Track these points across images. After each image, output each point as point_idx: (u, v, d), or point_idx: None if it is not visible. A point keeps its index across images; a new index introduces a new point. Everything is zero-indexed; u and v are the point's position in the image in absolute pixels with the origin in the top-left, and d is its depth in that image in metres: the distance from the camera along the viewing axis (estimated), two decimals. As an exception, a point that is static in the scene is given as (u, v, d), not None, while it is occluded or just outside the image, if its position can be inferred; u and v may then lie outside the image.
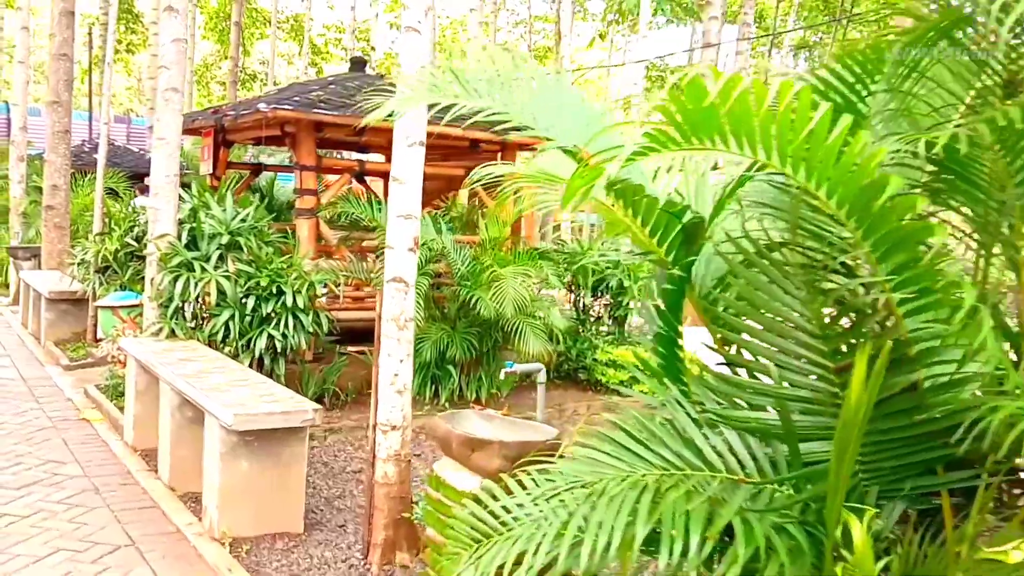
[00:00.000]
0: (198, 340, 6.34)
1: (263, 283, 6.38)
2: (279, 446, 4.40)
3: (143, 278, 9.11)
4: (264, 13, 31.79)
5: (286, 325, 6.36)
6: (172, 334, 6.36)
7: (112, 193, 15.62)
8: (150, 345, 6.05)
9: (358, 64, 8.69)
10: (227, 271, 6.50)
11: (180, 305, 6.42)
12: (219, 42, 30.61)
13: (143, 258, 9.12)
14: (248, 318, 6.40)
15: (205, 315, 6.49)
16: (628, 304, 8.12)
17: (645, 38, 13.44)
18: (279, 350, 6.36)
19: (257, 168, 9.74)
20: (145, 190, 18.22)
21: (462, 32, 33.90)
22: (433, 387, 7.12)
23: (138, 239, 8.97)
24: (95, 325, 9.35)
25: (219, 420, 4.24)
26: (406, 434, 4.21)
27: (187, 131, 9.74)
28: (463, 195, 9.35)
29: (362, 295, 8.00)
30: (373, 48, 32.13)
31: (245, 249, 6.68)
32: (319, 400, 6.78)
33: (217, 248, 6.64)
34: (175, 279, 6.37)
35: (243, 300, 6.41)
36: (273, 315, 6.36)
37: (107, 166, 16.69)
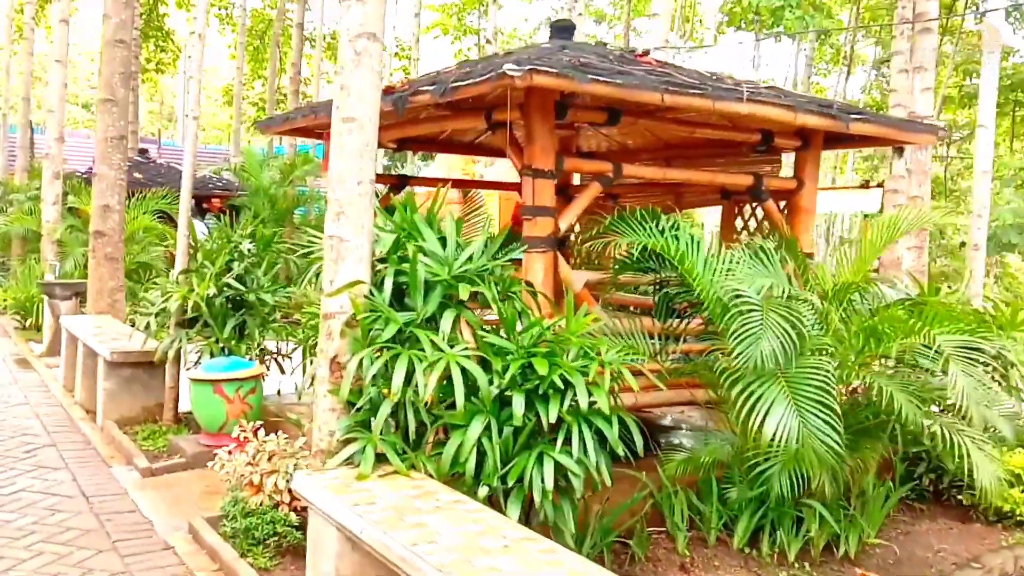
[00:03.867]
0: (428, 473, 3.57)
1: (540, 370, 3.61)
2: None
3: (246, 332, 6.41)
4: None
5: (582, 442, 3.60)
6: (380, 459, 3.58)
7: (164, 217, 12.99)
8: (354, 495, 3.28)
9: (563, 31, 5.98)
10: (467, 349, 3.74)
11: (394, 409, 3.66)
12: (252, 60, 28.01)
13: (244, 305, 6.41)
14: (510, 430, 3.65)
15: (427, 423, 3.72)
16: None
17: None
18: (564, 485, 3.60)
19: (400, 182, 7.02)
20: (202, 212, 15.55)
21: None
22: (772, 536, 4.31)
23: (240, 279, 6.30)
24: (176, 399, 6.58)
25: None
26: None
27: (293, 131, 7.09)
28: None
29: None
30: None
31: (494, 306, 3.93)
32: (600, 559, 4.02)
33: (440, 305, 3.90)
34: (389, 363, 3.60)
35: (499, 398, 3.66)
36: (546, 425, 3.60)
37: (154, 185, 14.09)
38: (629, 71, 4.60)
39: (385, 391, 3.64)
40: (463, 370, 3.60)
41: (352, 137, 3.86)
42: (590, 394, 3.65)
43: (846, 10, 22.63)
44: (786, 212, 5.63)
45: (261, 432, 4.59)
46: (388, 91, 5.24)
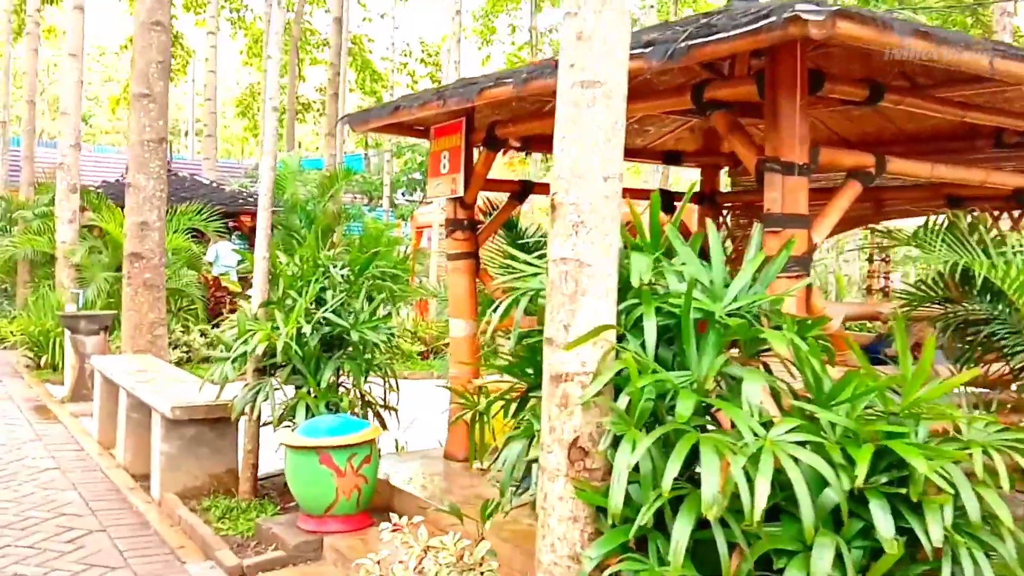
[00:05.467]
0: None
1: (914, 462, 2.33)
2: None
3: (338, 379, 5.13)
4: (318, 34, 27.92)
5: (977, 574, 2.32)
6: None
7: (196, 235, 11.70)
8: None
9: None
10: (791, 429, 2.44)
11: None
12: (264, 68, 26.67)
13: (341, 345, 5.14)
14: (859, 553, 2.37)
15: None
16: None
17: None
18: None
19: (523, 188, 5.76)
20: (228, 230, 14.20)
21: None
22: None
23: (338, 312, 5.03)
24: (255, 465, 5.26)
25: None
26: None
27: (391, 127, 5.82)
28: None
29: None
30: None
31: (811, 362, 2.64)
32: None
33: (717, 360, 2.62)
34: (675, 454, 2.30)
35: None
36: (930, 550, 2.32)
37: (178, 200, 12.78)
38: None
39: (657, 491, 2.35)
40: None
41: (596, 110, 2.58)
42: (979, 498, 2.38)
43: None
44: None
45: (422, 532, 3.29)
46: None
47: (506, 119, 5.25)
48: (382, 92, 28.13)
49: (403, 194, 26.19)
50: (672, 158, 6.31)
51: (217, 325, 11.65)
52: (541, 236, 7.06)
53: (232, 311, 12.16)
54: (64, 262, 10.27)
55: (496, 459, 3.06)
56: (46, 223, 11.55)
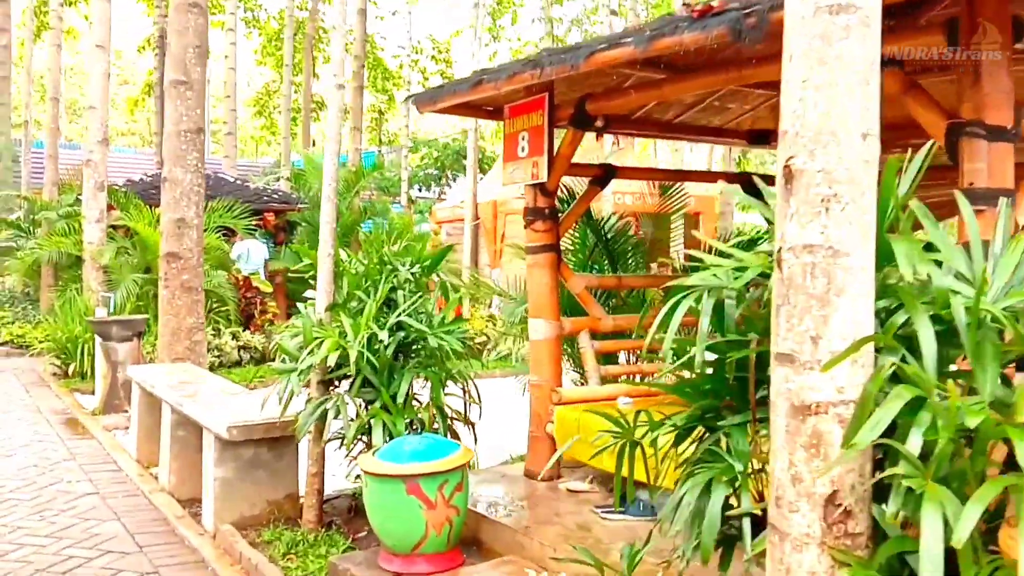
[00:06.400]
0: None
1: None
2: None
3: (411, 393, 4.45)
4: (329, 32, 27.16)
5: None
6: None
7: (227, 233, 11.09)
8: None
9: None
10: None
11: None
12: (278, 67, 25.94)
13: (415, 352, 4.49)
14: None
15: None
16: None
17: None
18: None
19: (605, 173, 5.07)
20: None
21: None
22: None
23: (411, 315, 4.37)
24: (320, 490, 4.60)
25: None
26: None
27: (458, 107, 5.14)
28: None
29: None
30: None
31: None
32: None
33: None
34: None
35: None
36: None
37: (207, 198, 12.19)
38: None
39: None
40: None
41: (851, 44, 1.89)
42: None
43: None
44: None
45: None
46: (704, 12, 3.28)
47: (586, 95, 4.58)
48: (394, 90, 27.50)
49: (419, 189, 25.66)
50: (758, 138, 5.61)
51: (248, 327, 11.07)
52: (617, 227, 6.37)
53: (263, 312, 11.57)
54: (92, 264, 9.68)
55: (674, 507, 2.37)
56: (71, 223, 10.99)
